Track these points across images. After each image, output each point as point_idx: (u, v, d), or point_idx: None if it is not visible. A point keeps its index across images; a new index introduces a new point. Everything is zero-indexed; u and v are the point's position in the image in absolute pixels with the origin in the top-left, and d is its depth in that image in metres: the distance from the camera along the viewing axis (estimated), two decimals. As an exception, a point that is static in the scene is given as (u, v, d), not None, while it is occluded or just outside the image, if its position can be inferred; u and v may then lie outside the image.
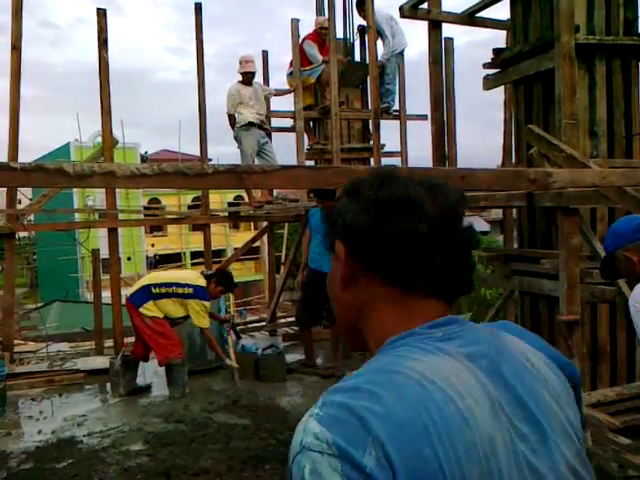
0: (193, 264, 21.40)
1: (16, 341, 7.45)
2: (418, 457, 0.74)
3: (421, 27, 5.44)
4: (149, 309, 5.49)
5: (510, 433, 0.83)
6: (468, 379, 0.84)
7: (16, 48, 6.08)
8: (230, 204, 21.52)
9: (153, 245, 28.68)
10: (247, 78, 7.41)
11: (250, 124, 7.31)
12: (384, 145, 8.08)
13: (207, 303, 5.54)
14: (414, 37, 8.80)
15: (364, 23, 7.83)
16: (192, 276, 5.75)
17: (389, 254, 0.87)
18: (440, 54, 5.43)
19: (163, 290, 5.52)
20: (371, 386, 0.79)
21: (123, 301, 7.08)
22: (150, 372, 6.32)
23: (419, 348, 0.85)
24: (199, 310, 5.48)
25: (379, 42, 7.92)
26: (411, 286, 0.89)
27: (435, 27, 5.30)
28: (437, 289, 0.90)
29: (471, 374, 0.85)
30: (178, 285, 5.53)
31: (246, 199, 8.60)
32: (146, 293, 5.54)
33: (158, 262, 26.38)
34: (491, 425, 0.81)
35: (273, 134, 8.18)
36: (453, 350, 0.86)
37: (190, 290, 5.50)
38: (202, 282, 5.58)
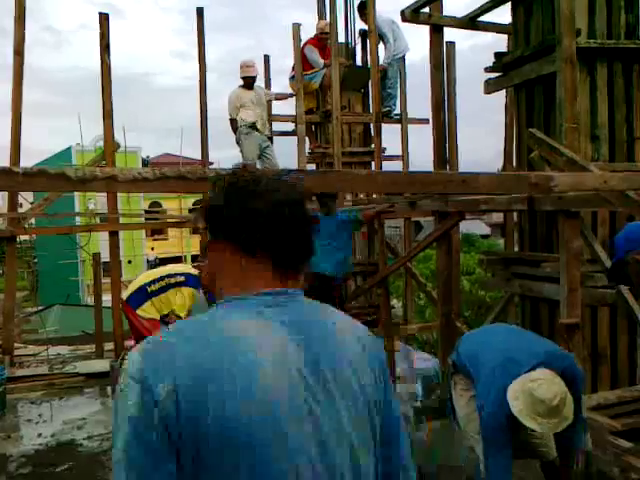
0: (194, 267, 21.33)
1: (16, 344, 7.44)
2: (202, 392, 0.95)
3: (423, 31, 5.45)
4: (146, 311, 5.47)
5: (301, 385, 1.04)
6: (273, 339, 1.05)
7: (19, 53, 6.10)
8: (231, 208, 21.45)
9: (153, 249, 28.64)
10: (248, 82, 7.43)
11: (251, 128, 7.32)
12: (385, 149, 8.08)
13: (200, 292, 5.45)
14: (416, 41, 8.81)
15: (366, 27, 7.84)
16: (183, 267, 5.76)
17: (232, 226, 1.12)
18: (441, 58, 5.43)
19: (157, 286, 5.48)
20: (187, 332, 1.02)
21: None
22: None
23: (241, 309, 1.08)
24: (190, 297, 5.43)
25: (380, 46, 7.94)
26: (250, 251, 1.11)
27: (436, 31, 5.30)
28: (275, 258, 1.12)
29: (277, 335, 1.06)
30: (170, 276, 5.50)
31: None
32: (142, 294, 5.51)
33: (159, 265, 26.38)
34: (282, 377, 1.02)
35: (274, 138, 8.19)
36: (270, 315, 1.08)
37: (182, 278, 5.46)
38: (194, 272, 5.53)
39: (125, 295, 5.69)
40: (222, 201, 1.13)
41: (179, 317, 5.43)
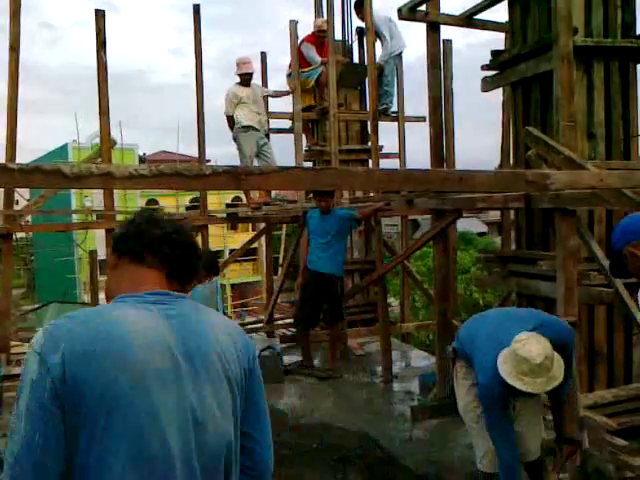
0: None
1: (13, 342, 7.42)
2: (83, 360, 1.21)
3: (420, 29, 5.44)
4: None
5: (170, 358, 1.30)
6: (154, 326, 1.33)
7: (14, 49, 6.07)
8: (228, 205, 21.50)
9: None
10: (245, 79, 7.41)
11: (248, 125, 7.31)
12: (382, 146, 8.08)
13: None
14: (413, 39, 8.81)
15: (362, 25, 7.83)
16: None
17: (132, 243, 1.48)
18: (438, 56, 5.42)
19: None
20: (79, 318, 1.30)
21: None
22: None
23: (128, 303, 1.37)
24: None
25: (377, 44, 7.93)
26: (144, 263, 1.46)
27: (433, 29, 5.29)
28: (163, 271, 1.47)
29: (159, 324, 1.34)
30: None
31: (244, 200, 8.60)
32: None
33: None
34: (152, 350, 1.28)
35: (272, 135, 8.18)
36: (155, 309, 1.36)
37: None
38: None
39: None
40: (127, 228, 1.52)
41: None
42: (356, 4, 8.10)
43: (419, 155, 7.21)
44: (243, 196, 9.62)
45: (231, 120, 7.44)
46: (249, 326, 9.03)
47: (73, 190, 17.41)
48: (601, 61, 4.59)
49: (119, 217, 7.65)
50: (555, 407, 3.23)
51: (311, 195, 6.90)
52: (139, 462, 1.22)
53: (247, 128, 7.30)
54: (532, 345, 2.74)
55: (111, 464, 1.20)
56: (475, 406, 3.16)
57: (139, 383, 1.24)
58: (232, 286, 27.03)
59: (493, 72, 5.31)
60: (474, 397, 3.16)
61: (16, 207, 7.24)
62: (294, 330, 7.54)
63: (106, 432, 1.20)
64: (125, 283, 1.45)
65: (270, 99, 8.20)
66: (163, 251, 1.46)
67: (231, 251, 12.58)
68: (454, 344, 3.38)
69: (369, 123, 7.68)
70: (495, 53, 5.28)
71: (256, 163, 7.39)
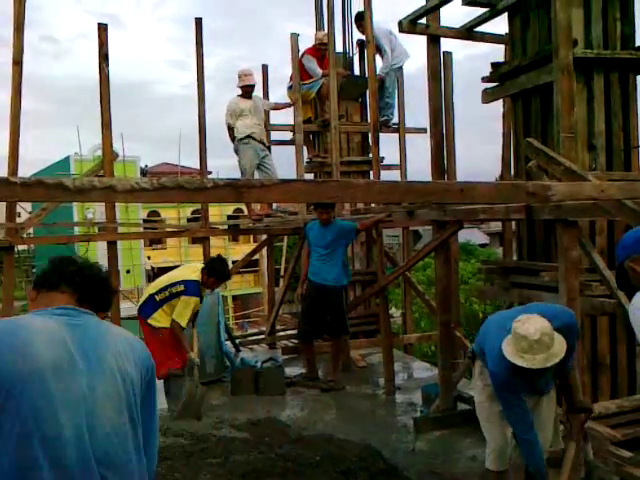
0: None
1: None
2: None
3: (420, 41, 5.47)
4: (157, 319, 5.53)
5: (68, 356, 1.54)
6: (56, 330, 1.57)
7: (17, 63, 6.11)
8: (229, 217, 21.52)
9: (149, 258, 28.57)
10: (246, 91, 7.45)
11: (249, 137, 7.34)
12: (383, 158, 8.10)
13: (194, 299, 5.43)
14: (413, 51, 8.86)
15: (363, 37, 7.88)
16: (187, 272, 5.70)
17: (53, 276, 1.76)
18: (439, 68, 5.45)
19: (162, 295, 5.53)
20: None
21: (123, 314, 7.08)
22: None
23: (36, 314, 1.65)
24: (184, 305, 5.40)
25: (378, 56, 7.98)
26: (55, 289, 1.73)
27: (434, 41, 5.32)
28: (79, 297, 1.73)
29: (61, 329, 1.58)
30: (172, 285, 5.53)
31: (245, 212, 8.61)
32: (152, 303, 5.58)
33: (157, 275, 26.32)
34: (52, 348, 1.52)
35: (273, 147, 8.21)
36: (60, 320, 1.61)
37: (182, 287, 5.47)
38: (196, 276, 5.52)
39: (139, 304, 5.74)
40: (47, 268, 1.79)
41: (175, 323, 5.44)
42: (357, 17, 8.16)
43: (420, 166, 7.22)
44: (244, 208, 9.64)
45: (232, 131, 7.47)
46: (251, 337, 9.01)
47: (75, 202, 17.45)
48: (601, 72, 4.61)
49: (121, 229, 7.66)
50: (562, 380, 3.31)
51: (312, 207, 6.91)
52: (32, 441, 1.42)
53: (248, 140, 7.33)
54: (530, 324, 2.86)
55: (6, 443, 1.41)
56: (487, 406, 3.29)
57: (37, 372, 1.46)
58: (234, 297, 27.01)
59: (493, 84, 5.34)
60: (486, 397, 3.29)
61: (18, 220, 7.26)
62: (296, 342, 7.52)
63: (3, 414, 1.42)
64: (41, 307, 1.70)
65: (271, 111, 8.24)
66: (76, 281, 1.74)
67: (233, 263, 12.60)
68: (473, 345, 3.51)
69: (370, 135, 7.71)
70: (495, 65, 5.31)
71: (257, 175, 7.41)
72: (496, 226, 28.11)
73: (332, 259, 6.06)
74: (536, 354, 2.81)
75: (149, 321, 5.52)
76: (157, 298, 5.55)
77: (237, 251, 23.72)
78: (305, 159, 8.00)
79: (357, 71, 8.66)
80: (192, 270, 5.68)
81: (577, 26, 4.44)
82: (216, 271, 5.58)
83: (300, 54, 7.98)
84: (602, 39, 4.62)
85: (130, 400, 1.63)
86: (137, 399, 1.66)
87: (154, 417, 1.79)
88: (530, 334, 2.81)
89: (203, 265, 5.75)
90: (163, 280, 5.76)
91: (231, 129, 7.47)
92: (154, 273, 25.70)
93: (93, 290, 1.77)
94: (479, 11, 5.44)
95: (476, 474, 3.85)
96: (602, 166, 4.62)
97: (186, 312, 5.41)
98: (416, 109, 7.38)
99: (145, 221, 20.55)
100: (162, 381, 5.60)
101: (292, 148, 7.88)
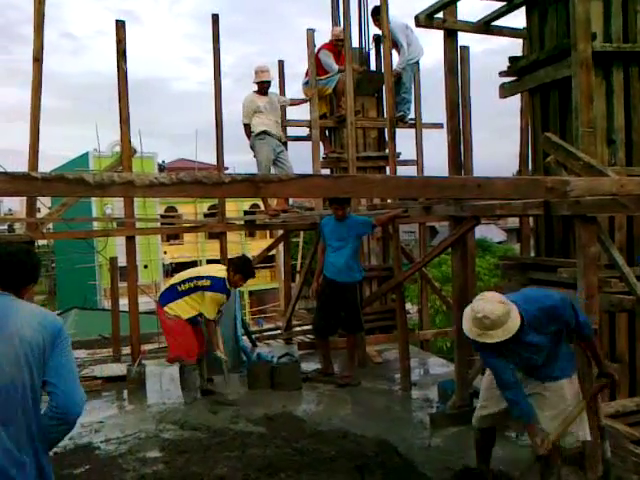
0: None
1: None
2: None
3: (437, 35, 5.44)
4: (172, 308, 5.67)
5: None
6: None
7: (38, 60, 6.19)
8: (246, 212, 21.62)
9: (165, 252, 28.83)
10: (262, 88, 7.46)
11: (265, 133, 7.36)
12: (400, 154, 8.08)
13: (220, 295, 5.61)
14: (430, 45, 8.81)
15: (380, 32, 7.86)
16: (214, 269, 5.84)
17: None
18: (456, 63, 5.42)
19: (186, 286, 5.67)
20: None
21: (141, 308, 7.15)
22: (167, 378, 6.37)
23: None
24: (210, 301, 5.60)
25: (394, 51, 7.95)
26: None
27: (451, 36, 5.29)
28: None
29: None
30: (199, 278, 5.68)
31: (262, 207, 8.64)
32: (172, 293, 5.74)
33: (175, 270, 26.53)
34: None
35: (289, 143, 8.22)
36: None
37: (208, 282, 5.62)
38: (223, 274, 5.66)
39: (159, 293, 5.89)
40: None
41: (207, 320, 5.67)
42: (373, 12, 8.13)
43: (437, 162, 7.19)
44: (261, 203, 9.67)
45: (248, 128, 7.49)
46: (267, 333, 9.05)
47: (94, 198, 17.62)
48: (620, 66, 4.56)
49: (139, 224, 7.73)
50: (587, 347, 3.50)
51: (327, 203, 6.91)
52: None
53: (264, 136, 7.35)
54: (485, 301, 3.06)
55: None
56: (491, 379, 3.49)
57: None
58: (250, 293, 27.14)
59: (511, 78, 5.30)
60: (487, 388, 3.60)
61: (38, 215, 7.36)
62: (312, 337, 7.54)
63: None
64: None
65: (287, 107, 8.25)
66: None
67: (249, 258, 12.69)
68: None
69: (386, 130, 7.69)
70: (513, 59, 5.26)
71: (273, 171, 7.43)
72: (513, 222, 27.89)
73: (347, 254, 6.06)
74: (489, 330, 3.02)
75: (165, 308, 5.69)
76: (180, 288, 5.70)
77: (253, 246, 23.80)
78: (321, 155, 8.00)
79: (373, 66, 8.64)
80: (218, 269, 5.82)
81: (596, 19, 4.39)
82: (242, 268, 5.73)
83: (316, 49, 7.98)
84: (622, 32, 4.56)
85: (28, 357, 2.05)
86: (35, 356, 2.06)
87: (65, 365, 2.16)
88: (479, 310, 3.02)
89: (226, 266, 5.85)
90: (188, 273, 5.94)
91: (247, 126, 7.49)
92: (172, 268, 25.91)
93: (9, 274, 2.17)
94: (497, 5, 5.40)
95: (492, 470, 3.83)
96: (621, 161, 4.57)
97: (213, 308, 5.64)
98: (433, 104, 7.34)
99: (163, 216, 20.69)
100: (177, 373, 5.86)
101: (308, 144, 7.88)
